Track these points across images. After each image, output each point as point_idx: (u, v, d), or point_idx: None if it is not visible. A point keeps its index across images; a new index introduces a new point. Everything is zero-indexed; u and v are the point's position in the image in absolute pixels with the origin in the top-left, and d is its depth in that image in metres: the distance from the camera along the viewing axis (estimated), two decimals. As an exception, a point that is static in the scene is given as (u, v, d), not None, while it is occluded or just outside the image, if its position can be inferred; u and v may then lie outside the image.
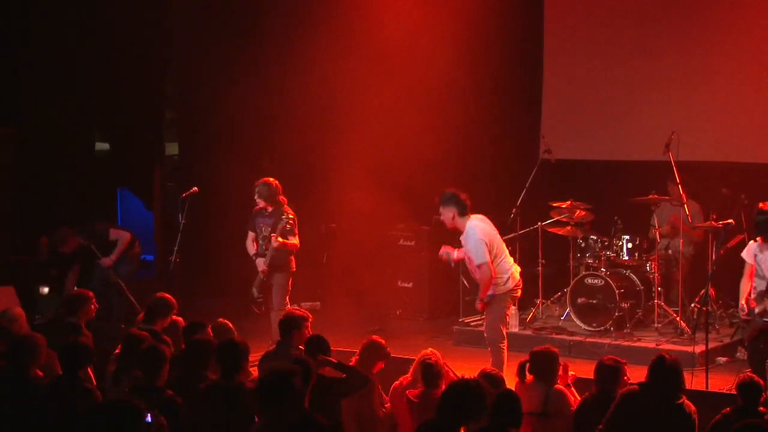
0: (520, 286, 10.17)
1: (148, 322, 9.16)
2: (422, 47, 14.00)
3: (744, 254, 9.65)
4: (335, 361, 8.23)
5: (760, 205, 9.53)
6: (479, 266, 9.87)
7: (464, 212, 9.95)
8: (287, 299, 11.35)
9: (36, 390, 7.70)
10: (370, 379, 8.33)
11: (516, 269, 10.09)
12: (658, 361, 7.47)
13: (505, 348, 9.96)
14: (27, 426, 7.43)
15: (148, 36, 14.26)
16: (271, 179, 11.44)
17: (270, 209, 11.35)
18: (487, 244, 9.86)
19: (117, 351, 8.87)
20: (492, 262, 9.84)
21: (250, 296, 11.54)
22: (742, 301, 9.56)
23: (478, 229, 9.91)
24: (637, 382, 7.70)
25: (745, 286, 9.59)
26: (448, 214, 9.96)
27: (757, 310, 9.40)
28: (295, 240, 11.32)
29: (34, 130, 13.73)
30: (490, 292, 9.87)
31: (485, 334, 10.14)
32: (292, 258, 11.44)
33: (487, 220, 10.17)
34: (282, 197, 11.39)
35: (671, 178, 12.12)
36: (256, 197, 11.40)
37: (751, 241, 9.65)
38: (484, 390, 6.84)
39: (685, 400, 7.39)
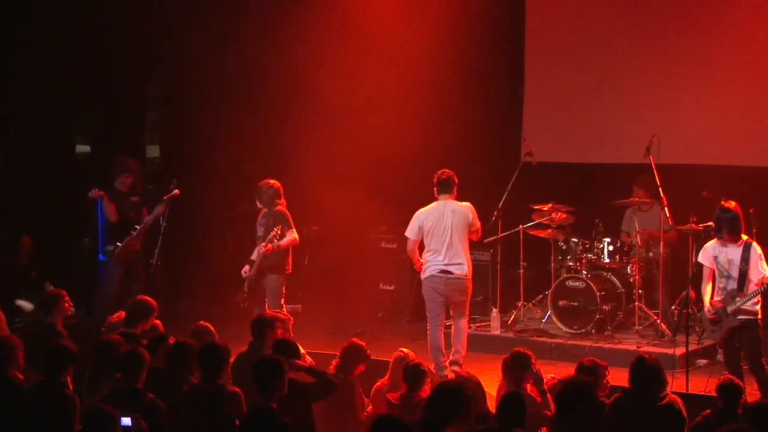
0: (437, 276, 10.62)
1: (129, 326, 9.15)
2: (404, 50, 14.03)
3: (701, 258, 9.64)
4: (306, 365, 8.24)
5: (722, 203, 9.54)
6: None
7: (441, 191, 10.68)
8: (283, 302, 11.16)
9: (17, 392, 7.68)
10: (337, 384, 8.23)
11: (440, 266, 10.58)
12: (638, 363, 7.47)
13: (427, 329, 10.76)
14: (7, 429, 7.41)
15: (130, 38, 14.22)
16: (272, 181, 11.33)
17: (265, 211, 11.27)
18: (420, 225, 10.64)
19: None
20: (419, 241, 10.69)
21: (239, 294, 11.49)
22: (707, 304, 9.60)
23: (426, 209, 10.65)
24: (621, 386, 7.71)
25: (706, 289, 9.63)
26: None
27: (729, 310, 9.43)
28: (291, 237, 11.17)
29: (15, 133, 13.68)
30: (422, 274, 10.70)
31: None
32: (289, 260, 11.30)
33: (456, 210, 10.62)
34: (281, 200, 11.28)
35: (637, 181, 12.19)
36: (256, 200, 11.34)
37: (707, 244, 9.66)
38: (472, 391, 6.88)
39: (670, 395, 7.39)
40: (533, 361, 8.20)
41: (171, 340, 8.52)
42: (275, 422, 6.74)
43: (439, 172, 10.71)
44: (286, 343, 8.33)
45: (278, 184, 11.28)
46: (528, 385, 8.15)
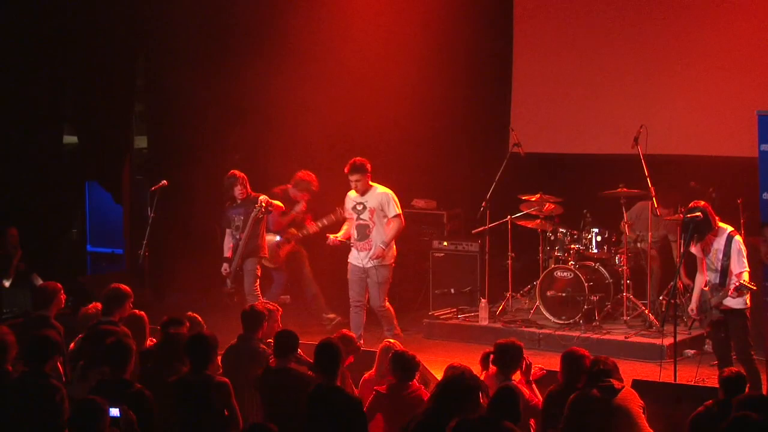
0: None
1: (107, 314, 9.10)
2: (393, 41, 14.00)
3: (692, 249, 9.68)
4: (310, 361, 8.21)
5: (691, 205, 9.54)
6: (395, 216, 11.29)
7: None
8: (257, 284, 11.65)
9: (7, 384, 7.66)
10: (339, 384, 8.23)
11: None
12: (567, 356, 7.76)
13: (387, 308, 11.57)
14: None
15: (117, 29, 14.17)
16: (238, 171, 11.86)
17: (241, 200, 11.73)
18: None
19: (72, 346, 8.84)
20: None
21: (223, 290, 11.67)
22: (695, 295, 9.62)
23: (390, 192, 11.38)
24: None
25: (699, 280, 9.65)
26: (363, 178, 11.35)
27: (713, 302, 9.45)
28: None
29: (1, 123, 13.62)
30: (387, 261, 11.36)
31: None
32: (264, 245, 11.83)
33: None
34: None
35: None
36: (237, 190, 11.72)
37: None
38: (477, 382, 6.93)
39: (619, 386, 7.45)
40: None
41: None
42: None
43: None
44: (287, 335, 8.27)
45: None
46: (514, 376, 8.11)
